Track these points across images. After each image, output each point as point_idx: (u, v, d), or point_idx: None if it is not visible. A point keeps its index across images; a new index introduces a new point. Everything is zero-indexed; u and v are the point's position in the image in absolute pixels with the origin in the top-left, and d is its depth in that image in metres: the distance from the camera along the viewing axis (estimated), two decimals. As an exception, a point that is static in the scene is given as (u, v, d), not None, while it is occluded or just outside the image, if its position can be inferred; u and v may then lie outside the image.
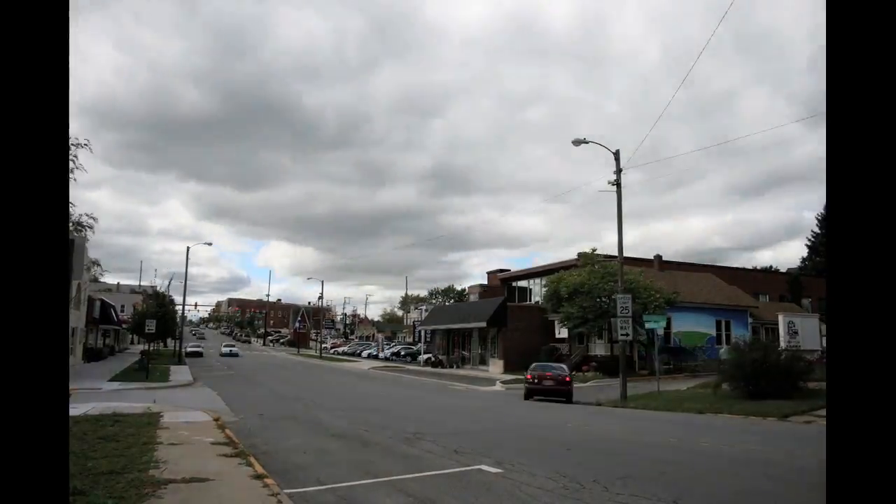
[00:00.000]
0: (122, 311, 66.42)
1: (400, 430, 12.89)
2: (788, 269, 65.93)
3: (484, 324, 43.31)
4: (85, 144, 16.88)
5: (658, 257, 45.28)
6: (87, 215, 19.31)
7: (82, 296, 39.56)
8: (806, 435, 12.97)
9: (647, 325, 26.83)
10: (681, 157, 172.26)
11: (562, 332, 40.75)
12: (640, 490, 7.40)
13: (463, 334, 49.45)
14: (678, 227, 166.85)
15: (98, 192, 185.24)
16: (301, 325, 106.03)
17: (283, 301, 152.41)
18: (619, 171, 23.13)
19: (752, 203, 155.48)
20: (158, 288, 68.14)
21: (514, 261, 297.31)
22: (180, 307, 57.44)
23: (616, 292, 24.05)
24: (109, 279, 73.90)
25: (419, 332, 61.08)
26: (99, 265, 39.11)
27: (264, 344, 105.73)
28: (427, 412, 18.05)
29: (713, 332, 39.15)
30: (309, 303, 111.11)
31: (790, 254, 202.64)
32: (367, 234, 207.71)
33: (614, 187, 23.20)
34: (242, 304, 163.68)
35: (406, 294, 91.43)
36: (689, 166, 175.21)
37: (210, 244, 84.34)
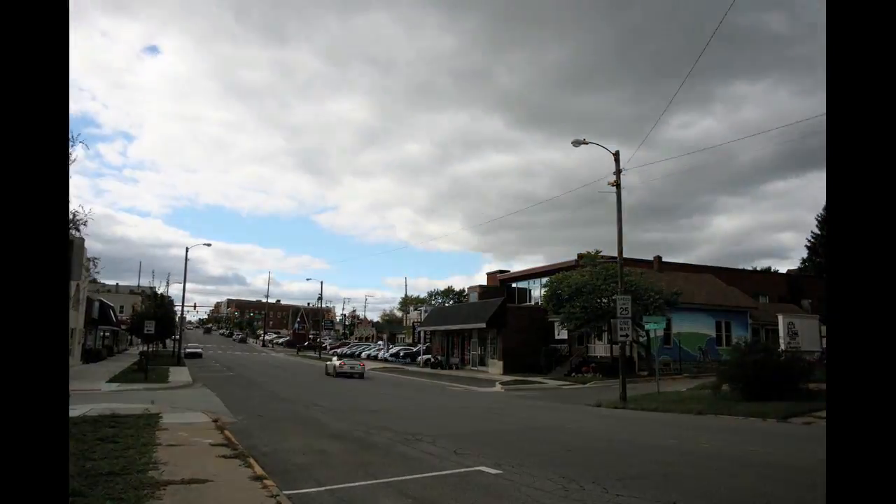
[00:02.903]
0: (121, 311, 66.42)
1: (399, 432, 12.89)
2: (788, 270, 66.00)
3: (483, 325, 43.25)
4: (81, 144, 16.75)
5: (658, 258, 45.24)
6: (81, 211, 19.04)
7: (81, 296, 39.50)
8: (806, 436, 12.97)
9: (647, 327, 26.82)
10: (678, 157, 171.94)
11: (561, 334, 40.70)
12: (639, 491, 7.41)
13: (462, 335, 49.38)
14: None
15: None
16: (300, 325, 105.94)
17: (282, 301, 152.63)
18: (618, 171, 23.12)
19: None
20: (157, 288, 68.18)
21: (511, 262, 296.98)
22: (179, 307, 57.47)
23: (617, 293, 24.04)
24: (108, 279, 73.90)
25: (419, 333, 61.00)
26: (94, 262, 38.66)
27: (263, 345, 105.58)
28: (426, 413, 18.05)
29: (713, 334, 39.16)
30: (308, 303, 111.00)
31: (789, 254, 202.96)
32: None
33: (614, 188, 23.20)
34: (241, 305, 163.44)
35: (406, 295, 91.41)
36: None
37: (209, 244, 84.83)
